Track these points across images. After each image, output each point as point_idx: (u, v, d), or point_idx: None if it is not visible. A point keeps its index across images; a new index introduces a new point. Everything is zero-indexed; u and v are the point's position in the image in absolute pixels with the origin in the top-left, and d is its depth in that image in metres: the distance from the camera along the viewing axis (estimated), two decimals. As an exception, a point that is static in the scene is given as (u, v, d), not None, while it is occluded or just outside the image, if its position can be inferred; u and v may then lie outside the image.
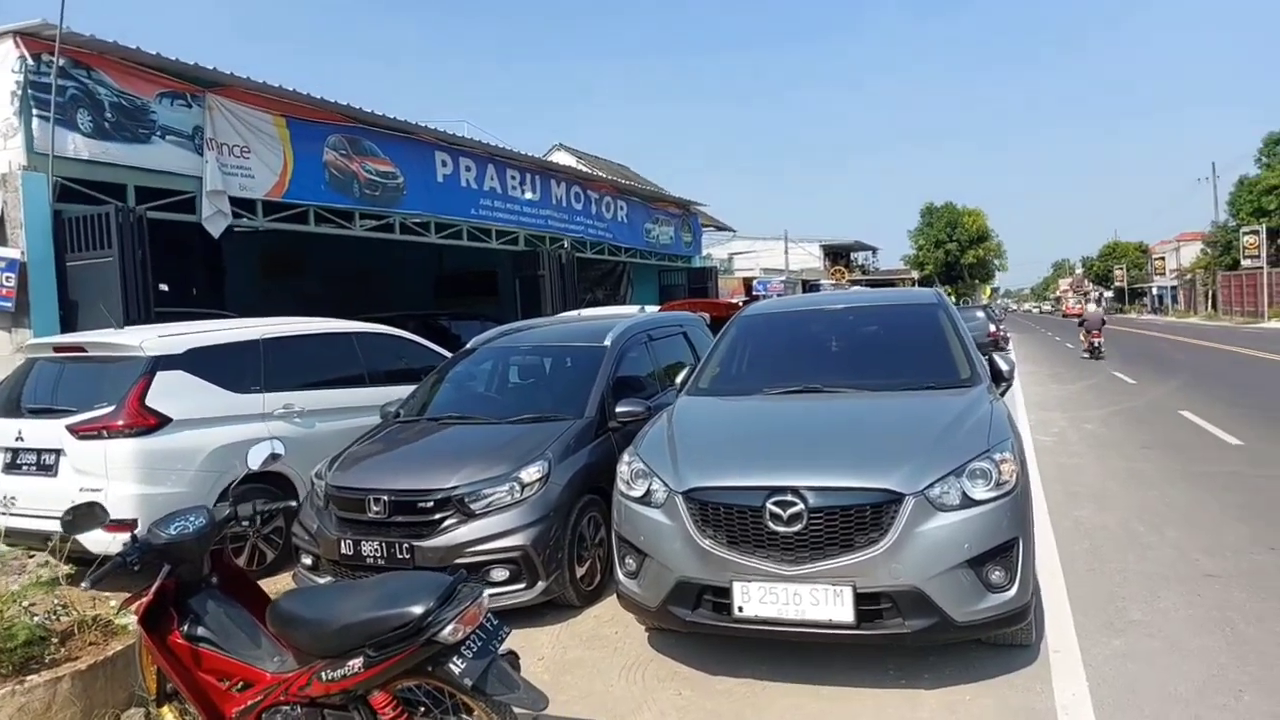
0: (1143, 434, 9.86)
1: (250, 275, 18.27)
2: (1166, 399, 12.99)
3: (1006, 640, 3.82)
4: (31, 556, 5.61)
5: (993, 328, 22.42)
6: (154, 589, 2.88)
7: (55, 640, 3.51)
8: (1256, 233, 44.44)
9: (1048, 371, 19.65)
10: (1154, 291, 71.90)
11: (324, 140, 10.91)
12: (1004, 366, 4.74)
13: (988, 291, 70.96)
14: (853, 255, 60.67)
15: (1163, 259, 73.61)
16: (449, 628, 2.50)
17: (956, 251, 64.51)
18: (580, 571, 4.81)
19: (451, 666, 2.54)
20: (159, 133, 8.75)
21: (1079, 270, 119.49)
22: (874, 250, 63.64)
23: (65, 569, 4.55)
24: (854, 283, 47.86)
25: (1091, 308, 24.46)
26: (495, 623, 2.72)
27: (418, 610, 2.51)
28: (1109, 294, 76.34)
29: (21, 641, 3.29)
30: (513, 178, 14.99)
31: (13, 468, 5.51)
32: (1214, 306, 52.85)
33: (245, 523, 3.21)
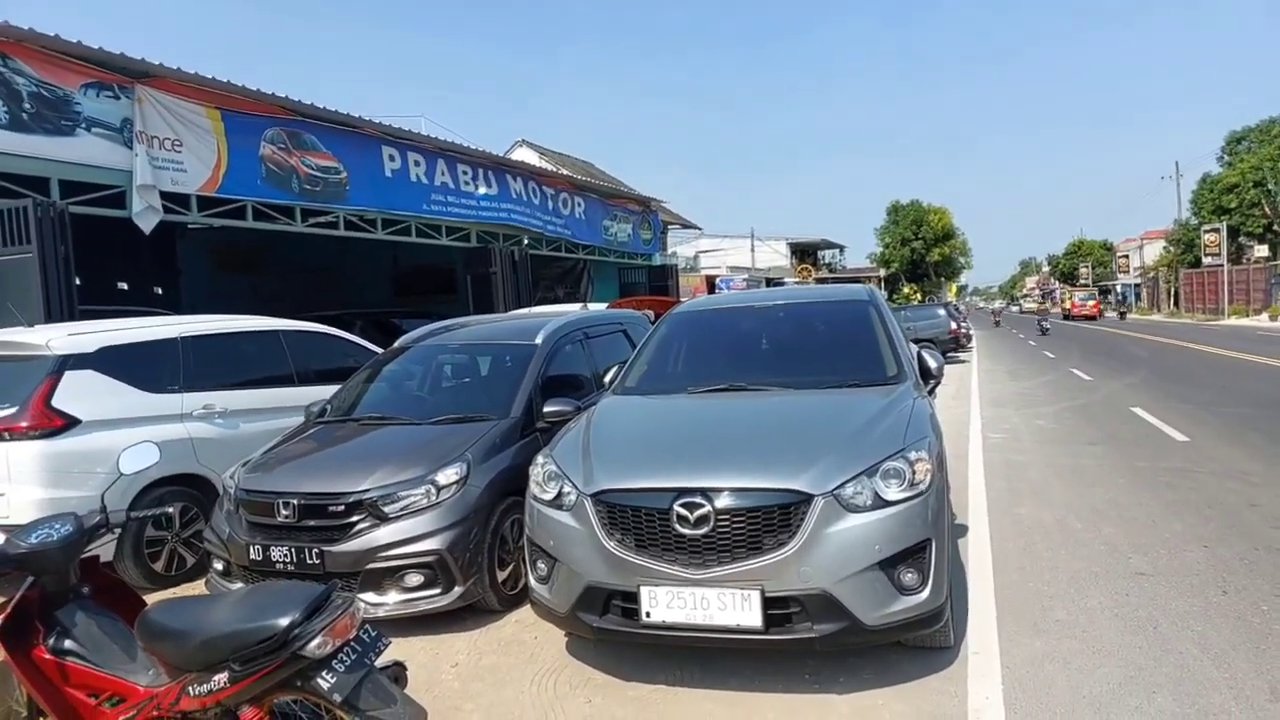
0: (1092, 431, 9.92)
1: (207, 273, 17.95)
2: (1120, 396, 13.12)
3: (925, 643, 3.75)
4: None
5: (954, 325, 22.61)
6: (14, 601, 2.75)
7: None
8: (1217, 230, 45.34)
9: (1006, 369, 19.81)
10: (1118, 289, 73.13)
11: (261, 134, 10.63)
12: (932, 364, 4.67)
13: (954, 289, 71.68)
14: (820, 253, 61.02)
15: (1127, 257, 74.97)
16: (316, 641, 2.40)
17: (922, 249, 65.02)
18: (502, 575, 4.67)
19: (320, 681, 2.43)
20: (84, 125, 8.45)
21: (1045, 269, 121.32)
22: (841, 248, 64.07)
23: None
24: (820, 281, 48.10)
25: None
26: (373, 634, 2.61)
27: (283, 623, 2.40)
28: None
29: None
30: (465, 173, 14.75)
31: None
32: (1176, 304, 53.88)
33: (118, 530, 3.04)
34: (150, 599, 3.25)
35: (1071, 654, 3.78)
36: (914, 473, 3.46)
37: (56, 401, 5.11)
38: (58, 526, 2.84)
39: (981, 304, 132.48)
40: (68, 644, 2.78)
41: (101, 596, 2.98)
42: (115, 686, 2.74)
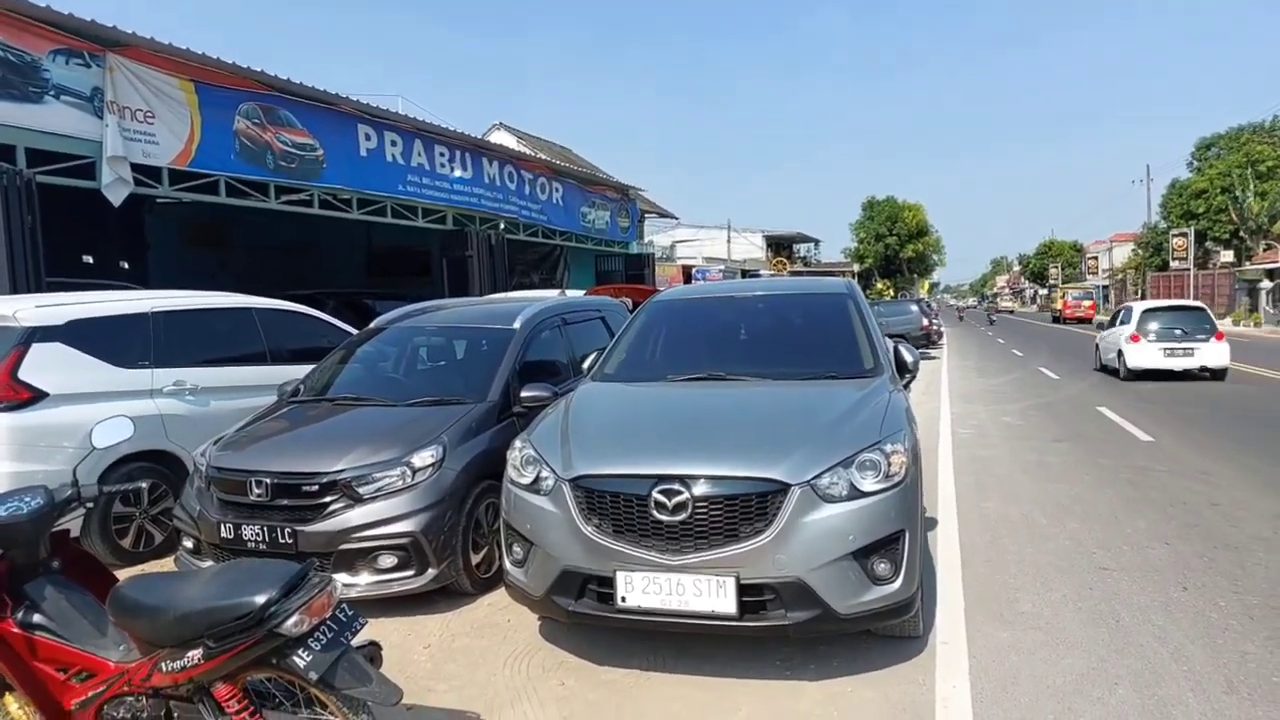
0: (1058, 428, 10.11)
1: (176, 248, 17.62)
2: (1086, 394, 13.38)
3: (895, 632, 3.81)
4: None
5: (925, 321, 22.87)
6: None
7: None
8: (1185, 235, 46.16)
9: (974, 365, 20.09)
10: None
11: (235, 108, 10.44)
12: (908, 358, 4.72)
13: (926, 286, 72.42)
14: (795, 246, 61.25)
15: (1096, 258, 76.17)
16: (293, 619, 2.40)
17: (896, 245, 65.57)
18: (476, 559, 4.67)
19: (296, 659, 2.44)
20: (52, 92, 8.24)
21: (1016, 268, 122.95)
22: (816, 242, 64.36)
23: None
24: (795, 274, 48.36)
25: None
26: (350, 613, 2.62)
27: (259, 600, 2.39)
28: (1044, 291, 78.73)
29: None
30: (441, 154, 14.60)
31: None
32: (1143, 307, 54.75)
33: (90, 504, 3.00)
34: (119, 575, 3.21)
35: (1036, 645, 3.87)
36: (889, 465, 3.51)
37: (23, 374, 5.02)
38: (28, 499, 2.80)
39: (952, 301, 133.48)
40: (36, 618, 2.75)
41: (71, 571, 2.95)
42: (85, 661, 2.73)
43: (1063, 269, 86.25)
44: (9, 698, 2.92)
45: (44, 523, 2.82)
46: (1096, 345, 17.88)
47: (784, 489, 3.36)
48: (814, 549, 3.32)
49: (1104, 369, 16.90)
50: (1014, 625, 4.11)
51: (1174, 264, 47.48)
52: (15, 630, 2.72)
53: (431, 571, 4.38)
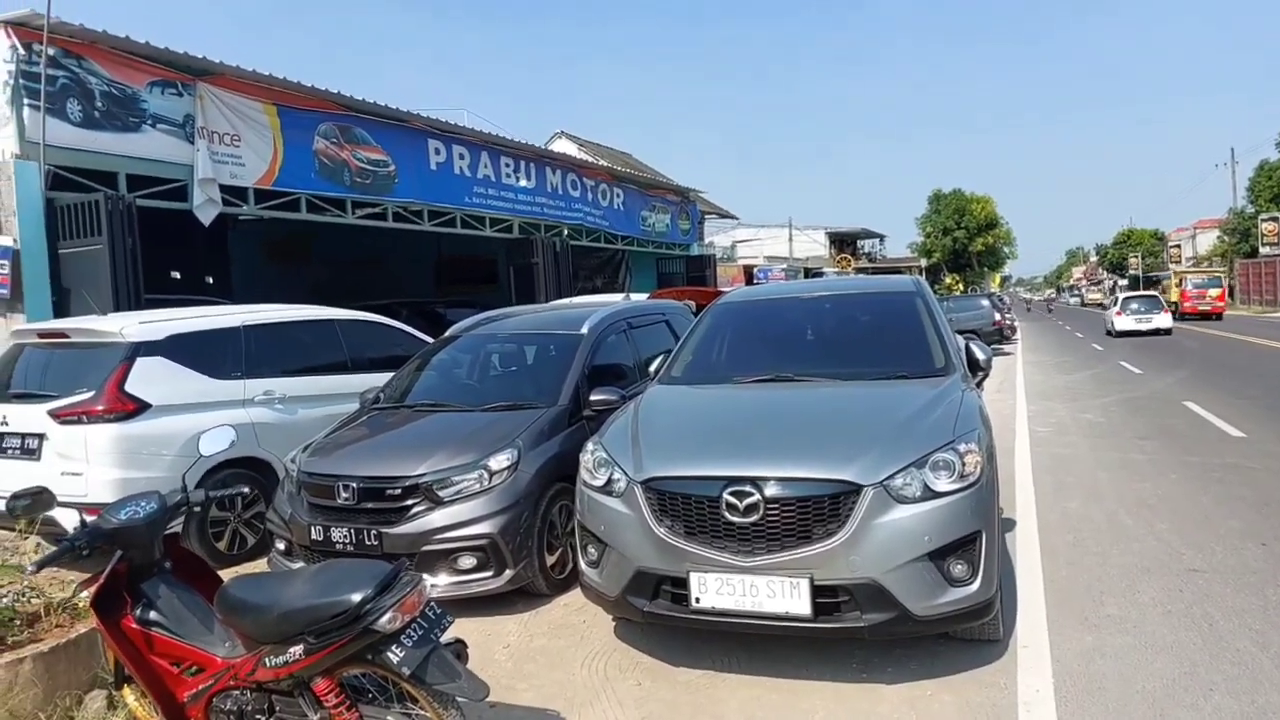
0: (1142, 425, 9.74)
1: (257, 263, 18.38)
2: (1172, 389, 12.84)
3: (973, 635, 3.77)
4: (25, 539, 5.67)
5: (998, 316, 22.24)
6: (105, 573, 2.89)
7: (19, 623, 3.52)
8: (1276, 219, 43.78)
9: (1052, 360, 19.46)
10: (1170, 280, 71.05)
11: (314, 128, 10.90)
12: (980, 356, 4.66)
13: (997, 279, 70.37)
14: (859, 243, 60.26)
15: (1179, 246, 72.80)
16: (386, 616, 2.50)
17: (965, 239, 63.93)
18: (550, 560, 4.79)
19: (390, 655, 2.54)
20: (150, 121, 8.76)
21: (1093, 258, 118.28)
22: (881, 238, 63.22)
23: (31, 552, 4.57)
24: (859, 271, 47.59)
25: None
26: (438, 611, 2.72)
27: (355, 598, 2.51)
28: (1123, 281, 75.41)
29: (-12, 622, 3.30)
30: (507, 165, 14.94)
31: None
32: (1231, 295, 52.17)
33: (198, 508, 3.20)
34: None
35: (1124, 649, 3.77)
36: (964, 465, 3.48)
37: (129, 386, 5.34)
38: (144, 504, 2.97)
39: (1025, 294, 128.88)
40: (152, 615, 2.91)
41: (181, 571, 3.11)
42: (195, 656, 2.88)
43: (1143, 258, 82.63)
44: (127, 689, 3.13)
45: (158, 526, 2.99)
46: (1105, 318, 29.69)
47: (856, 490, 3.36)
48: (888, 550, 3.31)
49: (1106, 333, 27.88)
50: (1099, 628, 4.01)
51: (1264, 250, 45.06)
52: (134, 626, 2.89)
53: (509, 572, 4.51)
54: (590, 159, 22.29)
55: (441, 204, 13.37)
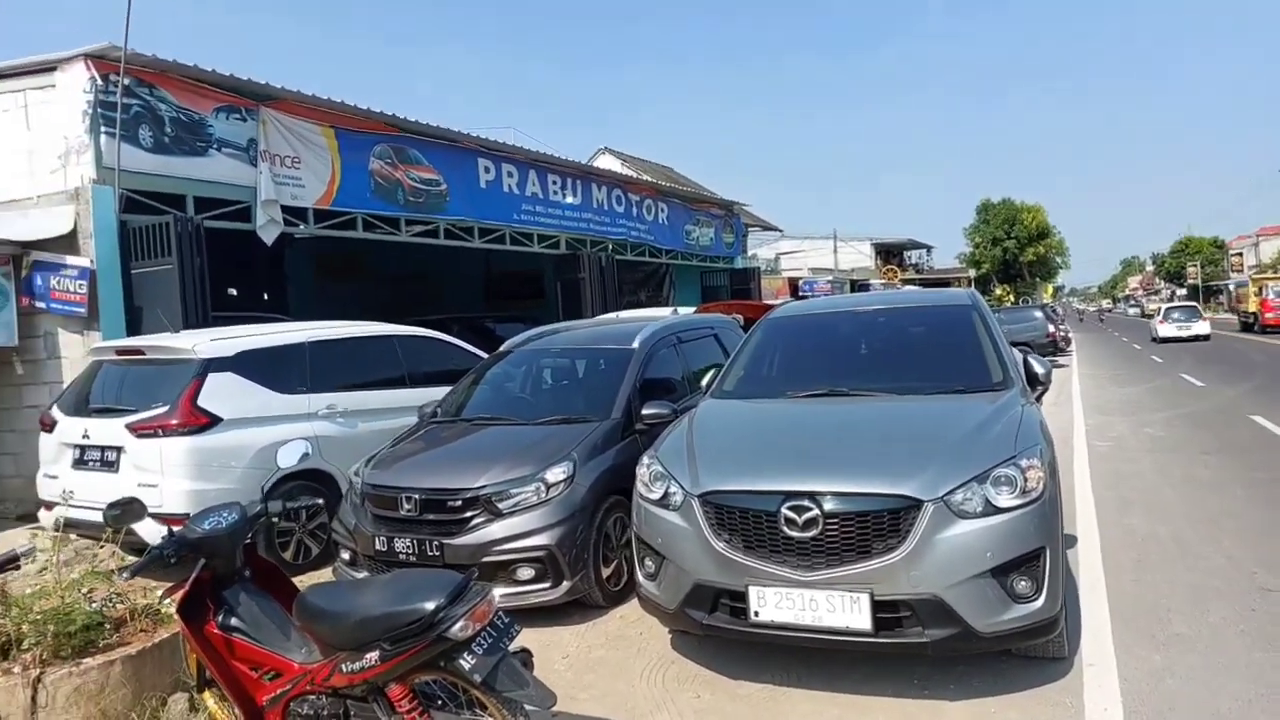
0: (1206, 439, 9.47)
1: (312, 280, 18.86)
2: (1237, 402, 12.45)
3: (1038, 652, 3.72)
4: (103, 547, 5.92)
5: (1051, 328, 21.78)
6: (190, 581, 3.01)
7: (109, 626, 3.68)
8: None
9: (1108, 374, 18.98)
10: (1230, 289, 68.74)
11: (370, 150, 11.19)
12: (1039, 370, 4.60)
13: (1049, 290, 68.84)
14: (906, 254, 59.50)
15: (1240, 255, 70.39)
16: (459, 624, 2.56)
17: (1015, 249, 62.75)
18: (606, 572, 4.85)
19: (462, 662, 2.60)
20: (215, 145, 9.10)
21: (1150, 267, 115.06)
22: (928, 249, 62.37)
23: (118, 558, 4.77)
24: (906, 282, 46.94)
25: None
26: (506, 621, 2.77)
27: (429, 606, 2.57)
28: (1181, 291, 73.16)
29: (80, 626, 3.47)
30: (554, 182, 15.16)
31: (80, 463, 5.83)
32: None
33: (275, 518, 3.32)
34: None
35: (1194, 669, 3.68)
36: (1026, 480, 3.45)
37: (202, 401, 5.56)
38: (225, 515, 3.10)
39: (1079, 305, 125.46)
40: (234, 621, 3.03)
41: (259, 579, 3.23)
42: (274, 662, 2.97)
43: (1201, 267, 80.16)
44: (208, 693, 3.25)
45: (239, 535, 3.11)
46: (1151, 326, 33.44)
47: (917, 505, 3.35)
48: (950, 566, 3.30)
49: (1152, 340, 30.49)
50: (1168, 648, 3.92)
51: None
52: (216, 631, 3.01)
53: (566, 584, 4.58)
54: (634, 174, 22.43)
55: (491, 221, 13.61)
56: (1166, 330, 29.35)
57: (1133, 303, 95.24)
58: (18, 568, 2.97)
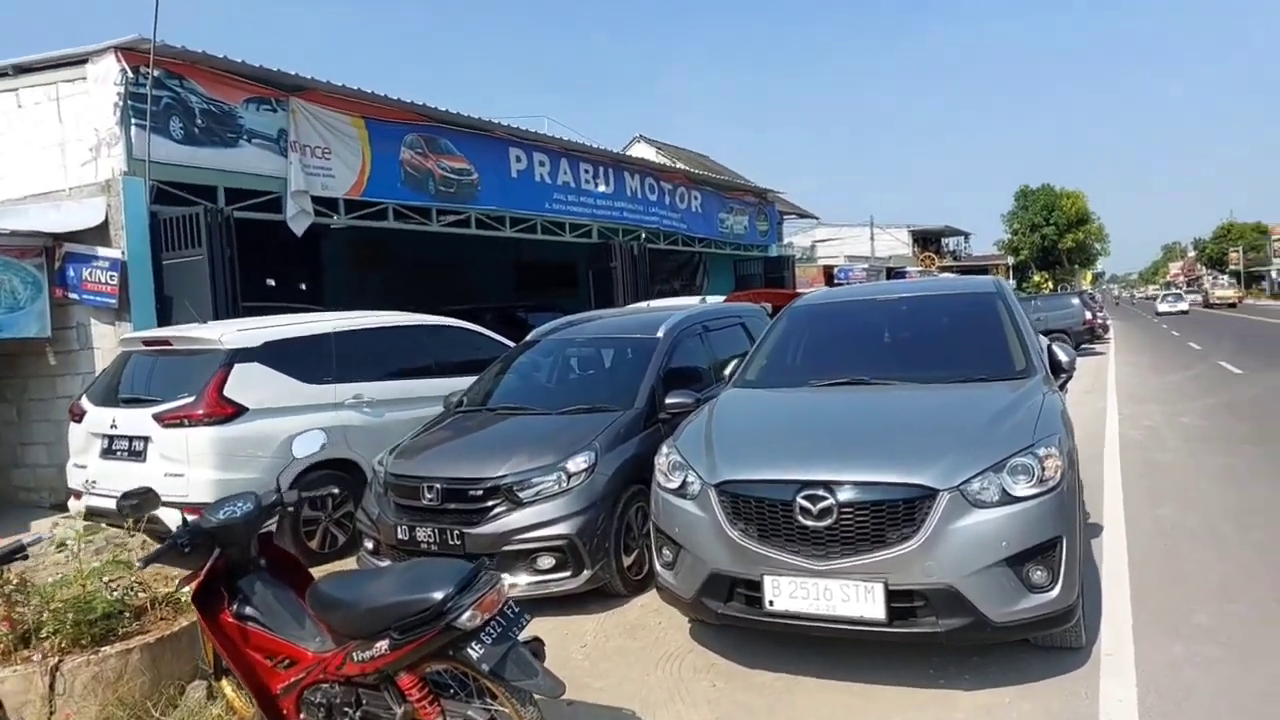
0: (1245, 429, 9.23)
1: (345, 269, 19.09)
2: (1276, 391, 12.11)
3: (1055, 642, 3.68)
4: (133, 535, 6.07)
5: (1089, 315, 21.33)
6: (205, 570, 3.05)
7: (129, 615, 3.73)
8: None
9: (1146, 361, 18.56)
10: (1273, 275, 66.70)
11: (401, 139, 11.26)
12: (1063, 358, 4.52)
13: (1089, 277, 67.41)
14: (944, 241, 58.61)
15: (1285, 240, 68.33)
16: (467, 613, 2.60)
17: (1054, 235, 61.51)
18: (627, 561, 4.87)
19: (470, 651, 2.63)
20: (245, 136, 9.23)
21: (1191, 254, 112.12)
22: (966, 235, 61.36)
23: (147, 547, 4.88)
24: (944, 269, 46.28)
25: None
26: (516, 610, 2.80)
27: (438, 595, 2.61)
28: (1224, 278, 71.13)
29: (100, 614, 3.53)
30: (586, 171, 15.13)
31: (108, 453, 5.96)
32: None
33: (292, 507, 3.36)
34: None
35: (1214, 660, 3.62)
36: (1043, 469, 3.41)
37: (228, 391, 5.64)
38: (240, 504, 3.13)
39: (1119, 291, 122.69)
40: (248, 610, 3.07)
41: (275, 568, 3.26)
42: (288, 650, 3.02)
43: (1244, 253, 77.84)
44: (225, 681, 3.30)
45: (254, 525, 3.15)
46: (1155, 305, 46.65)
47: (931, 494, 3.33)
48: (965, 555, 3.28)
49: (1155, 313, 43.25)
50: (1189, 639, 3.85)
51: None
52: (231, 620, 3.05)
53: (587, 573, 4.61)
54: (669, 162, 22.31)
55: (523, 211, 13.64)
56: (1163, 307, 45.08)
57: (1175, 288, 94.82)
58: (25, 558, 3.02)
